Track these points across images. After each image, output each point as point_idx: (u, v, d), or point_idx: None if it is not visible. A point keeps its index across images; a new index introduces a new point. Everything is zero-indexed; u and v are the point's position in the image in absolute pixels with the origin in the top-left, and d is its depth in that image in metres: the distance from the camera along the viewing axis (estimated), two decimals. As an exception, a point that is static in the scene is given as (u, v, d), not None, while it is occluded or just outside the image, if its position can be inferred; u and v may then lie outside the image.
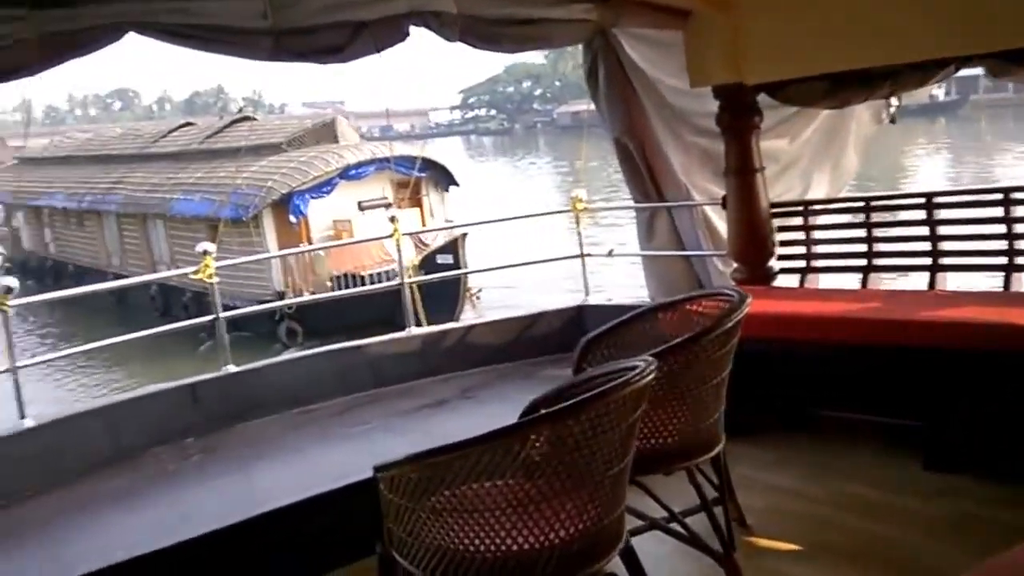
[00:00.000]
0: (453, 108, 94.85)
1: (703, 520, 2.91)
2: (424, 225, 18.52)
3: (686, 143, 5.47)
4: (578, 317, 5.61)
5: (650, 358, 2.26)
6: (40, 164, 29.70)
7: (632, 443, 2.25)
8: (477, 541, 2.11)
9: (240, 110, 23.56)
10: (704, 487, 2.94)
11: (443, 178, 19.63)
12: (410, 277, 5.62)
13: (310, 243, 17.14)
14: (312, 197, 16.71)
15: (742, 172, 4.77)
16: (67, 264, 25.54)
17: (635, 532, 2.62)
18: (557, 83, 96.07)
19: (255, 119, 22.61)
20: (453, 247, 15.67)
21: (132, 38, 3.45)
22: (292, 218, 16.60)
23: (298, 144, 18.52)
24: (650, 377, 2.17)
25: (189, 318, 5.76)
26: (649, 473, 2.76)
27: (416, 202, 19.23)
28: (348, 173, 17.05)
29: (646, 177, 5.48)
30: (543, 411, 2.18)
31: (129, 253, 21.89)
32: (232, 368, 4.99)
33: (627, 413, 2.16)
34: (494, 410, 4.62)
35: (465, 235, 15.89)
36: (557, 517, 2.10)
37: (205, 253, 5.08)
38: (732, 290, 3.05)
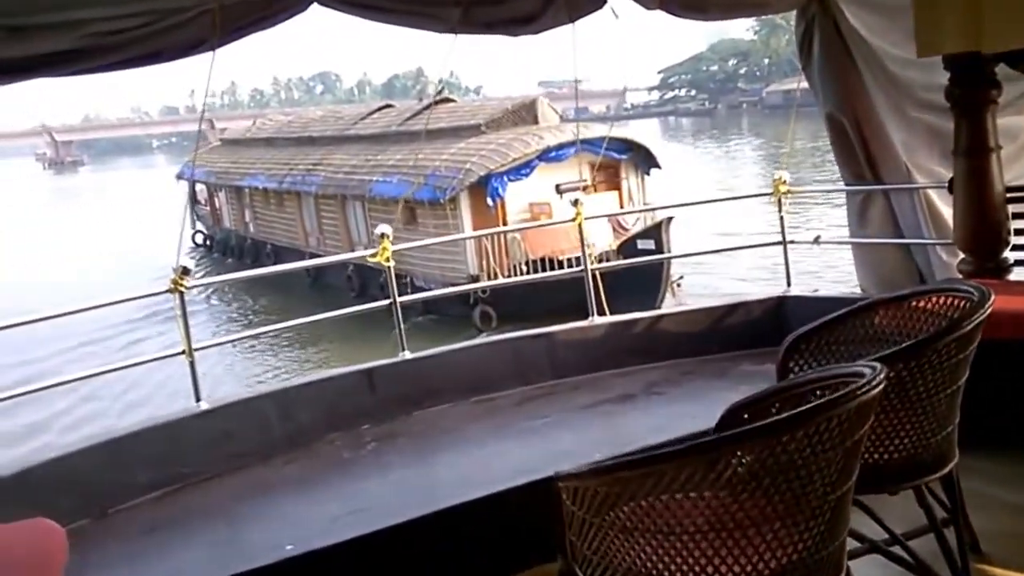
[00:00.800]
0: (651, 88, 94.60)
1: (930, 544, 2.76)
2: (622, 209, 19.03)
3: (909, 119, 5.35)
4: (779, 309, 5.47)
5: (877, 364, 2.12)
6: (243, 145, 32.65)
7: (857, 462, 2.14)
8: (673, 567, 2.00)
9: (439, 92, 25.01)
10: (933, 507, 2.79)
11: (644, 161, 20.00)
12: (598, 262, 5.66)
13: (505, 224, 18.11)
14: (510, 179, 17.63)
15: (974, 152, 4.57)
16: (266, 243, 27.98)
17: (852, 555, 2.50)
18: (766, 60, 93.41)
19: (454, 100, 23.99)
20: (656, 232, 16.04)
21: (322, 15, 3.62)
22: (489, 201, 17.60)
23: (497, 126, 19.54)
24: (879, 388, 2.04)
25: (385, 296, 5.91)
26: (870, 492, 2.61)
27: (615, 185, 19.76)
28: (547, 155, 17.82)
29: (861, 156, 5.39)
30: (753, 423, 2.04)
31: (327, 234, 23.87)
32: (408, 355, 5.08)
33: (853, 429, 2.04)
34: (684, 409, 4.61)
35: (670, 219, 16.19)
36: (768, 544, 1.99)
37: (383, 236, 5.39)
38: (970, 286, 2.89)
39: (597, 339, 5.39)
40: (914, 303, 3.07)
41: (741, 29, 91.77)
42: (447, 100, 23.89)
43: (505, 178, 17.60)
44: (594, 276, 5.76)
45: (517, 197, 18.09)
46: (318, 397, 4.75)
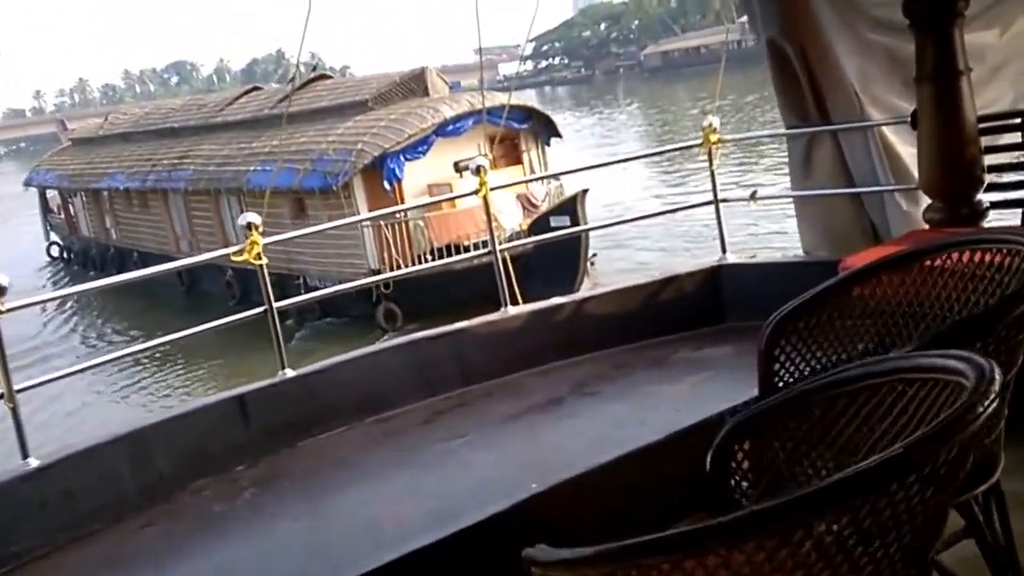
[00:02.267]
0: (524, 58, 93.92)
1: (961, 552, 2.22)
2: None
3: (864, 41, 4.73)
4: (715, 281, 4.93)
5: (973, 356, 1.61)
6: (96, 144, 30.09)
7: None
8: None
9: (314, 68, 23.33)
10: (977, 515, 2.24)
11: (543, 130, 19.00)
12: (508, 242, 4.89)
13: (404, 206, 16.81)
14: (407, 159, 16.30)
15: (940, 77, 4.03)
16: (132, 251, 25.81)
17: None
18: (635, 23, 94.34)
19: (331, 77, 22.38)
20: (571, 206, 15.04)
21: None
22: (386, 184, 16.22)
23: (385, 101, 18.11)
24: (994, 402, 1.48)
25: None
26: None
27: (516, 159, 18.70)
28: (445, 129, 16.54)
29: (807, 91, 4.77)
30: (860, 468, 1.42)
31: (200, 235, 21.94)
32: (289, 372, 4.38)
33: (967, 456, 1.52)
34: (625, 413, 4.05)
35: (585, 192, 15.24)
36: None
37: (249, 226, 4.41)
38: (1012, 234, 2.32)
39: (512, 333, 4.78)
40: (927, 263, 2.46)
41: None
42: (324, 77, 22.23)
43: (402, 157, 16.22)
44: (505, 261, 5.02)
45: (414, 178, 16.75)
46: (180, 437, 4.01)
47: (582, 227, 14.67)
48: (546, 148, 19.34)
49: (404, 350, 4.68)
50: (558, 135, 19.42)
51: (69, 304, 24.34)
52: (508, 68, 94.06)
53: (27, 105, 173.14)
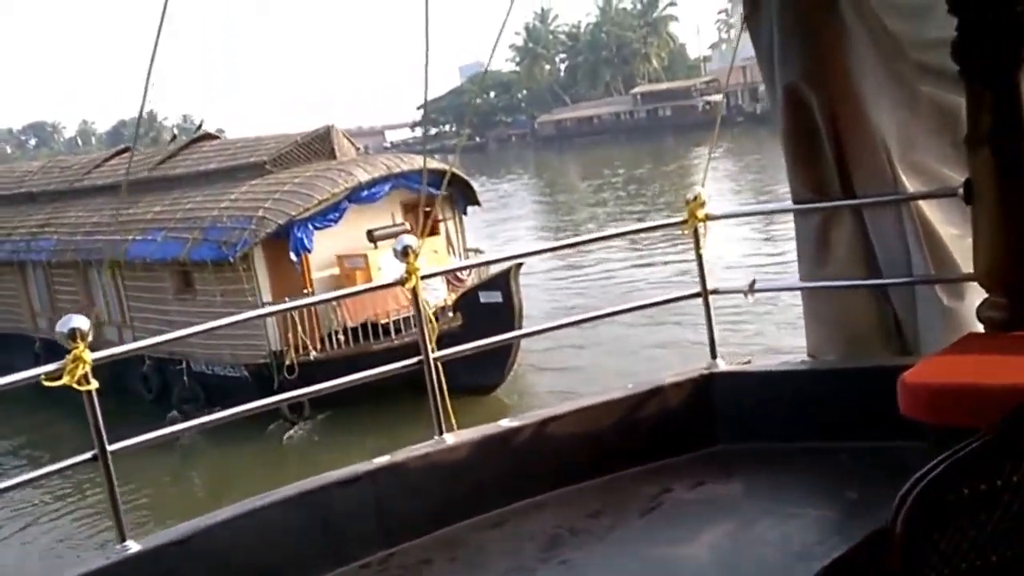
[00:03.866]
0: (413, 124, 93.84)
1: None
2: (449, 256, 16.88)
3: (908, 93, 3.89)
4: (704, 393, 4.08)
5: None
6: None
7: None
8: None
9: (199, 127, 21.72)
10: None
11: (462, 197, 18.02)
12: (435, 344, 3.71)
13: (311, 286, 15.36)
14: (316, 227, 14.90)
15: (1003, 137, 3.29)
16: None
17: None
18: (524, 91, 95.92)
19: (218, 137, 20.84)
20: (503, 281, 13.96)
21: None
22: (292, 256, 14.76)
23: (286, 162, 16.72)
24: None
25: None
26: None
27: (433, 229, 17.59)
28: (360, 195, 15.21)
29: (828, 152, 3.92)
30: None
31: (63, 312, 19.77)
32: (133, 547, 3.13)
33: None
34: None
35: (519, 266, 14.22)
36: None
37: (73, 335, 3.05)
38: None
39: (451, 470, 3.70)
40: None
41: (499, 60, 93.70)
42: (209, 136, 20.66)
43: (310, 226, 14.76)
44: (435, 366, 3.86)
45: (322, 249, 15.35)
46: None
47: (548, 326, 13.64)
48: (463, 216, 18.36)
49: (303, 502, 3.45)
50: (476, 203, 18.46)
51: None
52: (396, 135, 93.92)
53: None
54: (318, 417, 14.68)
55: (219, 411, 3.78)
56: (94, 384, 2.99)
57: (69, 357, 2.93)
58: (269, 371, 14.65)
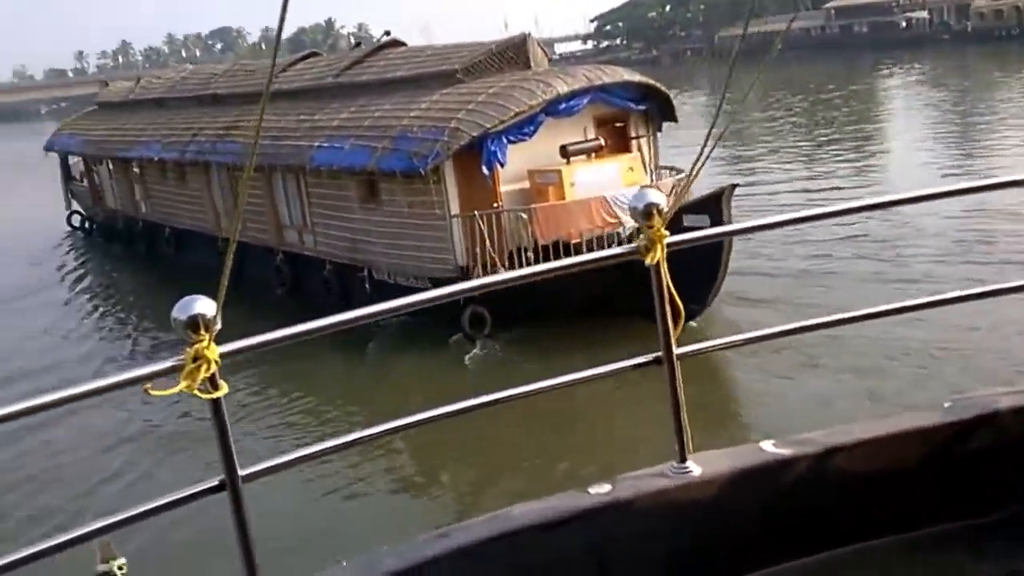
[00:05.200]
0: (584, 37, 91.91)
1: None
2: (644, 173, 16.15)
3: None
4: None
5: None
6: (125, 108, 28.78)
7: None
8: None
9: (387, 33, 21.48)
10: None
11: (659, 112, 17.14)
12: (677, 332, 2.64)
13: (500, 200, 15.02)
14: (510, 140, 14.46)
15: None
16: (163, 227, 24.45)
17: None
18: (702, 6, 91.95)
19: (405, 44, 20.60)
20: (712, 204, 13.11)
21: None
22: (484, 169, 14.41)
23: (478, 72, 16.27)
24: None
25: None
26: None
27: (624, 146, 16.86)
28: (557, 107, 14.62)
29: None
30: None
31: (247, 215, 20.36)
32: None
33: None
34: None
35: (734, 187, 13.34)
36: None
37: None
38: None
39: (697, 511, 2.63)
40: None
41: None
42: (397, 43, 20.43)
43: (504, 139, 14.28)
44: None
45: (512, 162, 14.80)
46: None
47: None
48: (657, 134, 17.50)
49: (487, 550, 2.48)
50: (673, 118, 17.51)
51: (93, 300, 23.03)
52: (565, 47, 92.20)
53: (69, 65, 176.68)
54: (500, 335, 14.45)
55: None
56: (223, 390, 2.19)
57: (189, 353, 2.12)
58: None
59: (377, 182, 15.79)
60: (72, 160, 31.15)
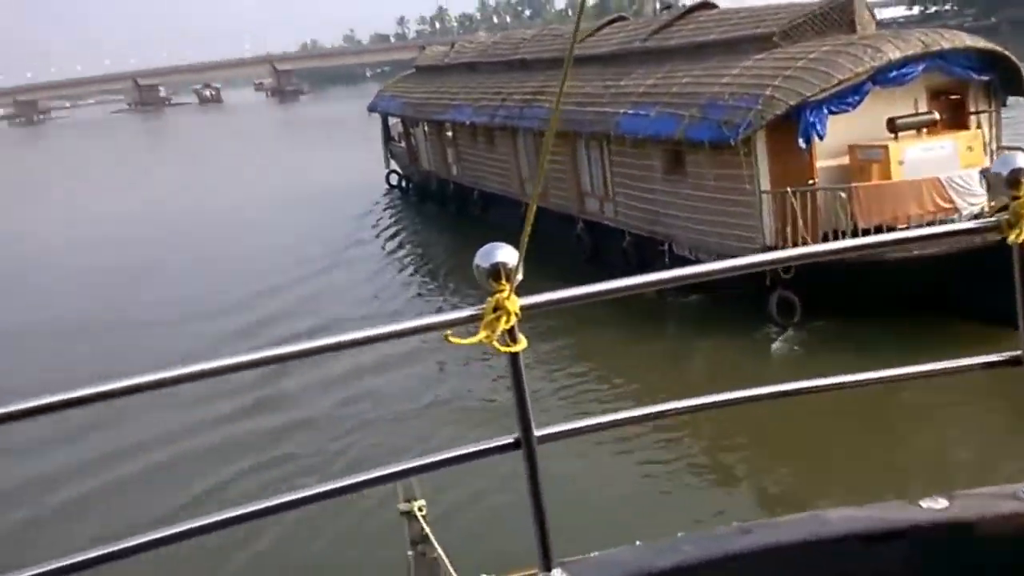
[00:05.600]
0: (910, 2, 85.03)
1: None
2: (984, 154, 14.38)
3: None
4: None
5: None
6: (440, 72, 30.05)
7: None
8: None
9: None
10: None
11: (1004, 85, 15.16)
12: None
13: (816, 176, 13.97)
14: (831, 111, 13.36)
15: None
16: (472, 189, 25.31)
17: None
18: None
19: (716, 6, 19.77)
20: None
21: None
22: (801, 142, 13.44)
23: (795, 36, 15.17)
24: None
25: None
26: None
27: (960, 122, 15.10)
28: (887, 76, 13.27)
29: None
30: None
31: (550, 181, 20.57)
32: None
33: None
34: None
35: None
36: None
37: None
38: None
39: None
40: None
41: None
42: (708, 5, 19.64)
43: (825, 109, 13.22)
44: None
45: (831, 135, 13.68)
46: None
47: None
48: (1000, 109, 15.53)
49: (796, 556, 2.23)
50: (1021, 92, 15.45)
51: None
52: (885, 12, 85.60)
53: (392, 31, 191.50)
54: (811, 324, 13.49)
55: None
56: (522, 344, 2.10)
57: (489, 303, 2.05)
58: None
59: (683, 152, 15.26)
60: (391, 121, 33.07)
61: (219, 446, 12.11)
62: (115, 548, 1.92)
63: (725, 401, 2.38)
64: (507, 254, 2.03)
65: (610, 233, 17.83)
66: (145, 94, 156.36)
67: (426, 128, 28.98)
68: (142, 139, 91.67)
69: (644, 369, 13.51)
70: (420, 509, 5.29)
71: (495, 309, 2.02)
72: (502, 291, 2.02)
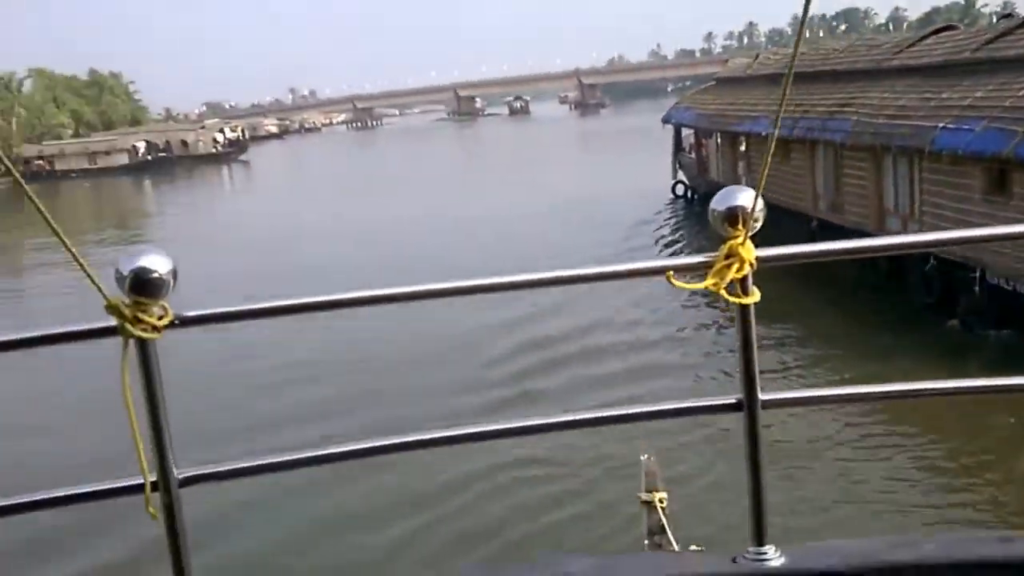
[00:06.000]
0: None
1: None
2: None
3: None
4: None
5: None
6: (741, 84, 29.06)
7: None
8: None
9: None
10: None
11: None
12: None
13: None
14: None
15: None
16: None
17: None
18: None
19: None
20: None
21: None
22: None
23: None
24: None
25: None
26: None
27: None
28: None
29: None
30: None
31: (848, 198, 18.97)
32: None
33: None
34: None
35: None
36: None
37: None
38: None
39: None
40: None
41: None
42: (1058, 12, 17.18)
43: None
44: None
45: None
46: None
47: None
48: None
49: None
50: None
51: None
52: None
53: (697, 46, 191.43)
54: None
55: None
56: (754, 296, 1.93)
57: (722, 249, 1.90)
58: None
59: (1010, 171, 13.33)
60: (684, 133, 32.45)
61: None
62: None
63: (971, 388, 2.16)
64: (746, 197, 1.89)
65: (910, 255, 16.00)
66: (463, 104, 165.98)
67: (719, 139, 28.08)
68: (457, 144, 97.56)
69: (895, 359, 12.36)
70: (661, 501, 5.41)
71: (728, 256, 1.90)
72: (736, 237, 1.88)
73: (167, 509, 1.86)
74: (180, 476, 1.86)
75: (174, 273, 1.74)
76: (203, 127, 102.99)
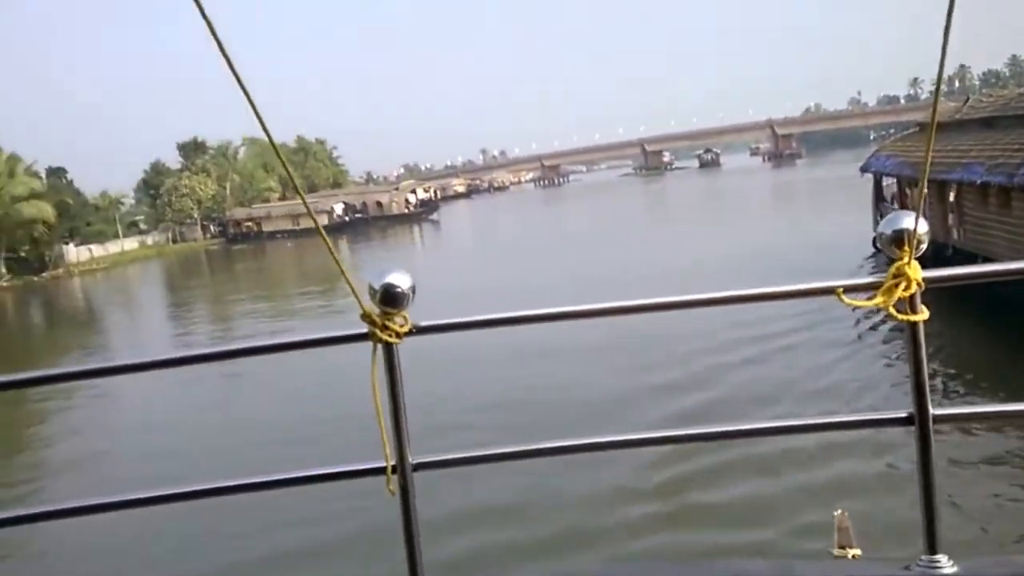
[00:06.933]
0: None
1: None
2: None
3: None
4: None
5: None
6: (950, 130, 26.92)
7: None
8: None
9: None
10: None
11: None
12: None
13: None
14: None
15: None
16: (975, 255, 21.98)
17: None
18: None
19: None
20: None
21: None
22: None
23: None
24: None
25: None
26: None
27: None
28: None
29: None
30: None
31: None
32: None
33: None
34: None
35: None
36: None
37: None
38: None
39: None
40: None
41: None
42: None
43: None
44: None
45: None
46: None
47: None
48: None
49: None
50: None
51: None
52: None
53: (902, 92, 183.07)
54: None
55: None
56: (923, 315, 1.98)
57: (891, 270, 1.97)
58: None
59: None
60: (886, 182, 30.45)
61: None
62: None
63: None
64: (912, 221, 1.98)
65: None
66: (650, 159, 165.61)
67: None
68: (640, 199, 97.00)
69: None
70: (854, 558, 5.18)
71: (895, 276, 2.00)
72: (903, 258, 1.98)
73: (402, 490, 2.14)
74: (414, 462, 2.15)
75: (413, 288, 2.02)
76: (397, 188, 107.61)
